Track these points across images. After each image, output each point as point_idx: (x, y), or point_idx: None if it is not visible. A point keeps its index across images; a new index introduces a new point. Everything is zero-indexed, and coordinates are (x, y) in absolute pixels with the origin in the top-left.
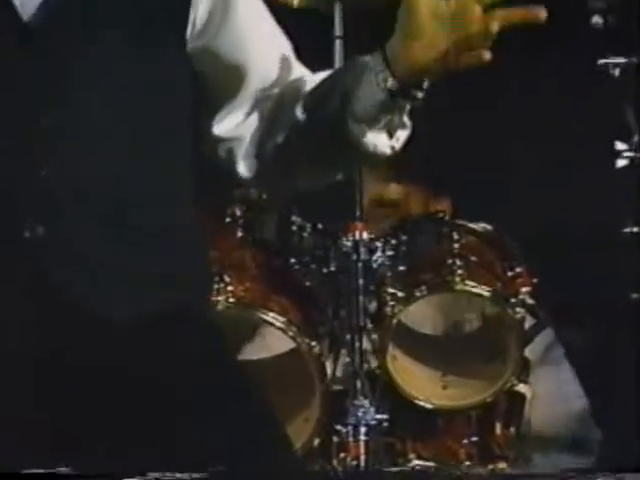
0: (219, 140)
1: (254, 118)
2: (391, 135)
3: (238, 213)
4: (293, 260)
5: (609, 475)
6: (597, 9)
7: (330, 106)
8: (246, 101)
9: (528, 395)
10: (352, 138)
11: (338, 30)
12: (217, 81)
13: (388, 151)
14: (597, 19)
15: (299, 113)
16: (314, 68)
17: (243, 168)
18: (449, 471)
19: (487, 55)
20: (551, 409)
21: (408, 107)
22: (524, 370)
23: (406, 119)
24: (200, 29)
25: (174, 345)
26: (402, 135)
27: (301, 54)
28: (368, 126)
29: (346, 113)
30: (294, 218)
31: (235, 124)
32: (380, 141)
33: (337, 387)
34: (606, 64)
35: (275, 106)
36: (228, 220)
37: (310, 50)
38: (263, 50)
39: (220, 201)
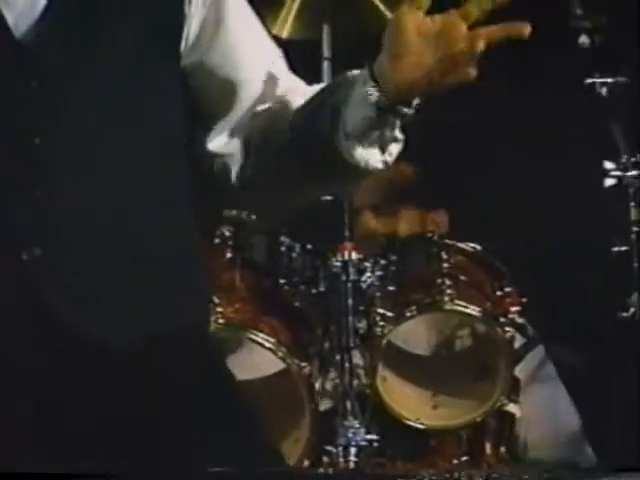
0: (214, 156)
1: (246, 134)
2: (383, 150)
3: (227, 234)
4: (282, 281)
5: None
6: (584, 29)
7: (320, 121)
8: (238, 116)
9: (518, 415)
10: (343, 153)
11: (326, 52)
12: (210, 96)
13: (380, 166)
14: (584, 39)
15: (290, 128)
16: None
17: (237, 183)
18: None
19: (473, 73)
20: (542, 428)
21: (399, 122)
22: (514, 389)
23: (398, 133)
24: (193, 44)
25: (173, 367)
26: (395, 149)
27: None
28: (359, 141)
29: (336, 128)
30: (283, 239)
31: (228, 139)
32: (372, 156)
33: (327, 408)
34: (593, 83)
35: (267, 121)
36: (217, 241)
37: (298, 71)
38: (254, 65)
39: (209, 222)
